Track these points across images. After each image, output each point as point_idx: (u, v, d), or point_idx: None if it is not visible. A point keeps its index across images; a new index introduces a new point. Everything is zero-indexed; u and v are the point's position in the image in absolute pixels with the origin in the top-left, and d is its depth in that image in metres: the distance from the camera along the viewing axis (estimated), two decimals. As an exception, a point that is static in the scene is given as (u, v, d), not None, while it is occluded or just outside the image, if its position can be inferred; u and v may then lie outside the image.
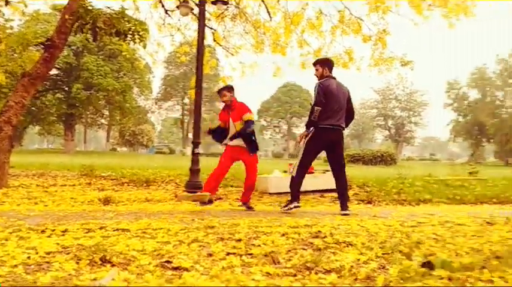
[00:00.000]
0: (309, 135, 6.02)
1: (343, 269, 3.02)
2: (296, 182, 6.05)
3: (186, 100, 68.01)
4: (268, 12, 11.74)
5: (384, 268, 3.17)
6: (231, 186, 9.78)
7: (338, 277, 2.90)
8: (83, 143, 71.68)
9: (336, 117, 5.99)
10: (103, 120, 58.40)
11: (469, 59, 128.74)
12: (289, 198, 6.07)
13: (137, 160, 26.51)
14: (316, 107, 5.84)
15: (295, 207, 5.96)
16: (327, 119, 5.91)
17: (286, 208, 5.98)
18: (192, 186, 8.08)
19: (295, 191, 6.03)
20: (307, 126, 6.05)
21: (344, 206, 5.98)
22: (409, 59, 11.27)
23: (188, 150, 65.41)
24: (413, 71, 11.73)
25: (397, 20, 11.03)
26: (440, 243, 3.91)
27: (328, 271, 3.01)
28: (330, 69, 6.19)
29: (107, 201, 7.05)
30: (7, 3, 11.39)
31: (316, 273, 2.95)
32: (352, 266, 3.08)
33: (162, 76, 69.86)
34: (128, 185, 10.03)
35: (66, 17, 9.00)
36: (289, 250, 3.50)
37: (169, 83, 68.81)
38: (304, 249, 3.56)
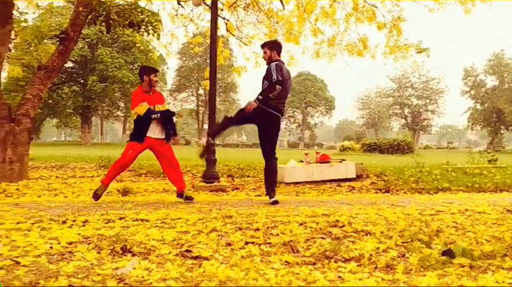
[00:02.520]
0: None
1: (362, 258, 3.02)
2: None
3: (201, 91, 68.09)
4: (281, 1, 11.64)
5: (403, 256, 3.16)
6: (248, 176, 9.81)
7: (357, 265, 2.90)
8: (100, 135, 72.38)
9: (283, 105, 5.84)
10: (119, 112, 58.80)
11: (486, 45, 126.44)
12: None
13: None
14: (277, 86, 5.48)
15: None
16: (276, 104, 5.67)
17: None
18: (209, 176, 8.10)
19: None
20: (261, 101, 5.54)
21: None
22: (425, 46, 11.10)
23: (204, 141, 65.62)
24: (429, 58, 11.54)
25: (412, 7, 10.80)
26: (460, 231, 3.88)
27: (348, 260, 3.01)
28: (279, 53, 5.95)
29: (125, 192, 7.11)
30: (22, -4, 11.50)
31: (335, 262, 2.95)
32: (371, 255, 3.08)
33: (176, 67, 69.98)
34: (146, 176, 10.11)
35: (80, 9, 9.04)
36: (308, 239, 3.51)
37: (184, 74, 68.86)
38: (322, 238, 3.56)
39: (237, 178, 9.65)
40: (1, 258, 2.81)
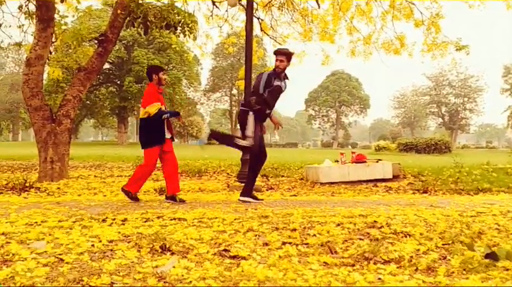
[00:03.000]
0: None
1: (402, 260, 2.97)
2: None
3: (234, 91, 68.44)
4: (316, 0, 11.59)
5: (445, 258, 3.09)
6: (282, 176, 9.80)
7: (397, 267, 2.85)
8: (136, 135, 73.75)
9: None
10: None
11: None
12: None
13: (188, 150, 26.99)
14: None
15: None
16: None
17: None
18: (244, 176, 8.11)
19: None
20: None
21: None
22: (464, 43, 10.82)
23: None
24: (468, 56, 11.22)
25: (451, 3, 10.56)
26: (503, 233, 3.76)
27: (387, 261, 2.96)
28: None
29: (162, 191, 7.21)
30: (62, 0, 11.84)
31: (374, 263, 2.91)
32: (411, 257, 3.02)
33: (210, 67, 70.58)
34: (181, 176, 10.21)
35: (118, 11, 9.24)
36: (346, 240, 3.47)
37: (218, 75, 69.39)
38: (360, 239, 3.51)
39: (271, 177, 9.66)
40: (45, 255, 2.89)
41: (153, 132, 5.77)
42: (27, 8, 13.18)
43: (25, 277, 2.43)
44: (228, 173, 10.44)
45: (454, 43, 10.83)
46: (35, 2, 11.81)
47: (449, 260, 3.03)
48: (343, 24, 11.75)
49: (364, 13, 11.36)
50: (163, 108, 5.84)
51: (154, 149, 5.75)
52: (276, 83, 5.62)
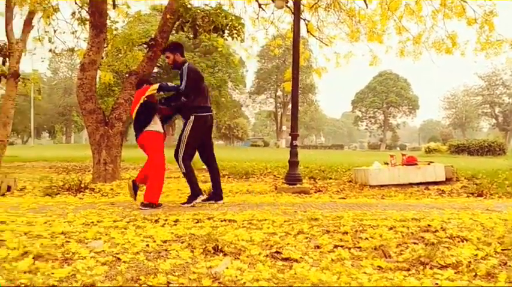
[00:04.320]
0: (191, 125, 5.55)
1: (460, 265, 2.87)
2: (192, 176, 5.69)
3: (279, 93, 68.50)
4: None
5: (505, 264, 2.97)
6: (330, 178, 9.71)
7: (455, 272, 2.76)
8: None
9: (209, 101, 5.75)
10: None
11: None
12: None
13: (234, 152, 27.23)
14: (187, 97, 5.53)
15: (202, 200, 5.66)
16: (205, 103, 5.63)
17: (191, 203, 5.53)
18: (292, 178, 8.12)
19: (196, 185, 5.68)
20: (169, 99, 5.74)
21: (220, 196, 5.84)
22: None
23: (282, 142, 65.99)
24: (524, 54, 10.74)
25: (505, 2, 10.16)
26: None
27: (444, 267, 2.87)
28: (182, 54, 5.70)
29: (210, 193, 7.27)
30: (114, 6, 12.23)
31: (431, 268, 2.83)
32: (469, 262, 2.92)
33: (255, 70, 70.97)
34: (228, 178, 10.32)
35: (168, 16, 9.44)
36: (399, 244, 3.40)
37: (263, 77, 69.69)
38: (415, 243, 3.43)
39: (319, 180, 9.59)
40: (103, 254, 2.99)
41: (143, 121, 5.57)
42: (80, 15, 13.74)
43: (86, 275, 2.52)
44: (274, 175, 10.45)
45: (510, 41, 10.39)
46: (87, 9, 12.29)
47: (509, 266, 2.91)
48: (392, 23, 11.53)
49: (413, 12, 11.08)
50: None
51: (156, 137, 5.59)
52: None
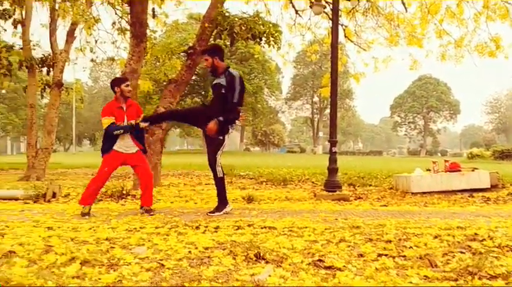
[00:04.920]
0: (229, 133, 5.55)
1: (510, 276, 2.76)
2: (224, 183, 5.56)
3: (316, 99, 68.18)
4: (403, 3, 11.25)
5: (560, 276, 2.83)
6: (369, 185, 9.57)
7: (506, 283, 2.66)
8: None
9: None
10: (237, 121, 61.02)
11: None
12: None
13: (270, 159, 27.22)
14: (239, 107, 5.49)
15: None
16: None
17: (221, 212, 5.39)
18: (331, 185, 8.02)
19: (226, 193, 5.57)
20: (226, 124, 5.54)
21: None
22: None
23: (319, 149, 65.59)
24: None
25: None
26: None
27: (494, 277, 2.77)
28: (221, 58, 5.45)
29: (250, 199, 7.29)
30: (154, 16, 12.51)
31: (479, 278, 2.73)
32: (521, 273, 2.80)
33: (291, 76, 70.91)
34: (266, 184, 10.32)
35: (206, 25, 9.56)
36: (445, 253, 3.30)
37: (299, 83, 69.57)
38: (461, 252, 3.32)
39: (358, 186, 9.46)
40: (147, 260, 3.03)
41: (103, 142, 5.56)
42: (120, 25, 14.11)
43: (131, 281, 2.56)
44: (313, 182, 10.38)
45: (556, 43, 10.03)
46: (127, 19, 12.58)
47: None
48: (432, 27, 11.31)
49: (454, 15, 10.85)
50: (124, 123, 5.46)
51: (105, 158, 5.49)
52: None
